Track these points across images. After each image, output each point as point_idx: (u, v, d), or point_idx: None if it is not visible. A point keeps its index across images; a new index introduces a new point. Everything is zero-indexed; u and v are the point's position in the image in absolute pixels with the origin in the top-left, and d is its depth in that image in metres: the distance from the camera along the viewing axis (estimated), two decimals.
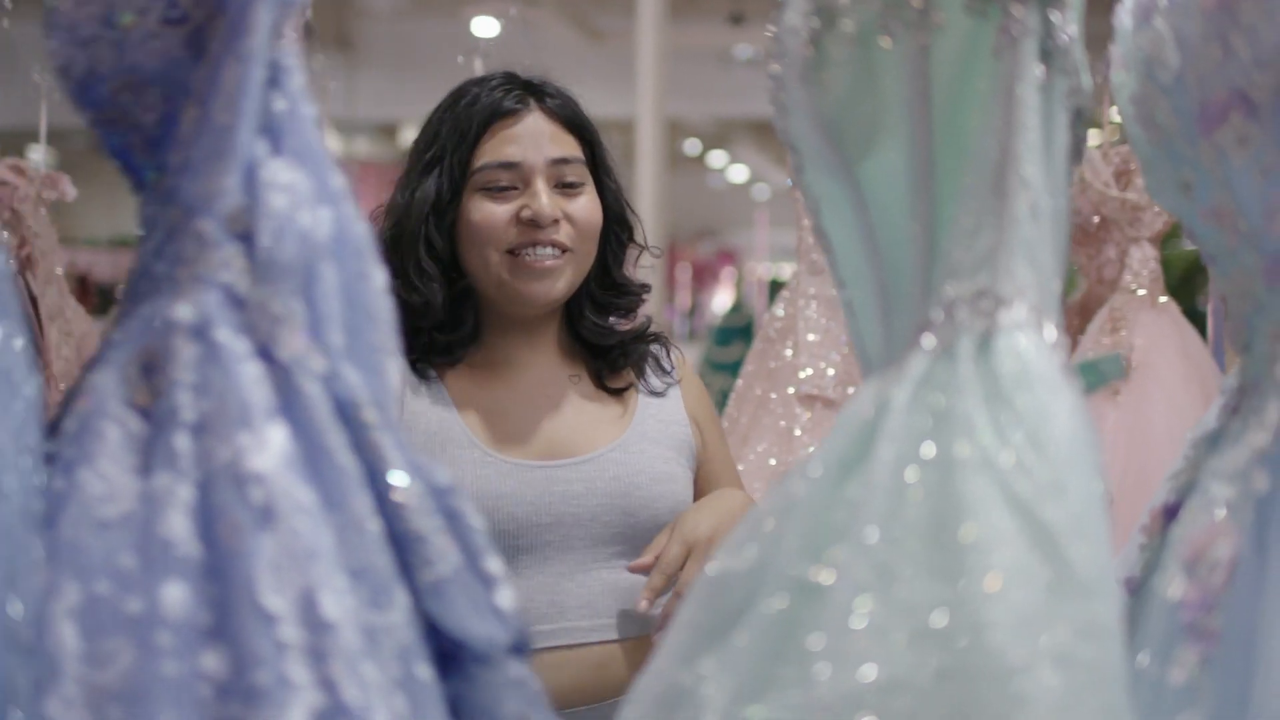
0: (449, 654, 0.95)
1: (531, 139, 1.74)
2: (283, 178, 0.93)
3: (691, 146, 17.14)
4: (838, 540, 0.92)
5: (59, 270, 3.45)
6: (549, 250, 1.72)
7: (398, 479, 0.93)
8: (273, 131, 0.95)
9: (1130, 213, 3.03)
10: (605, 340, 1.81)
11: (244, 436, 0.86)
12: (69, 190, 3.36)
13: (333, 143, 3.90)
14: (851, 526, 0.92)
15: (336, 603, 0.85)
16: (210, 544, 0.84)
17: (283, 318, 0.91)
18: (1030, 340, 0.97)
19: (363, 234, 0.97)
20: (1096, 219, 3.09)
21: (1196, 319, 3.28)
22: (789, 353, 2.90)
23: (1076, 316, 3.21)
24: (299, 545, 0.85)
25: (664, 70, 8.88)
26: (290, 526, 0.85)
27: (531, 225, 1.71)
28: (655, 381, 1.84)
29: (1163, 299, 3.05)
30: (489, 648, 0.95)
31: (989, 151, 1.01)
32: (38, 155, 3.61)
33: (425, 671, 0.91)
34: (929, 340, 0.98)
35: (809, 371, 2.83)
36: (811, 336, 2.85)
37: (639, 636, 1.72)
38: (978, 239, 1.00)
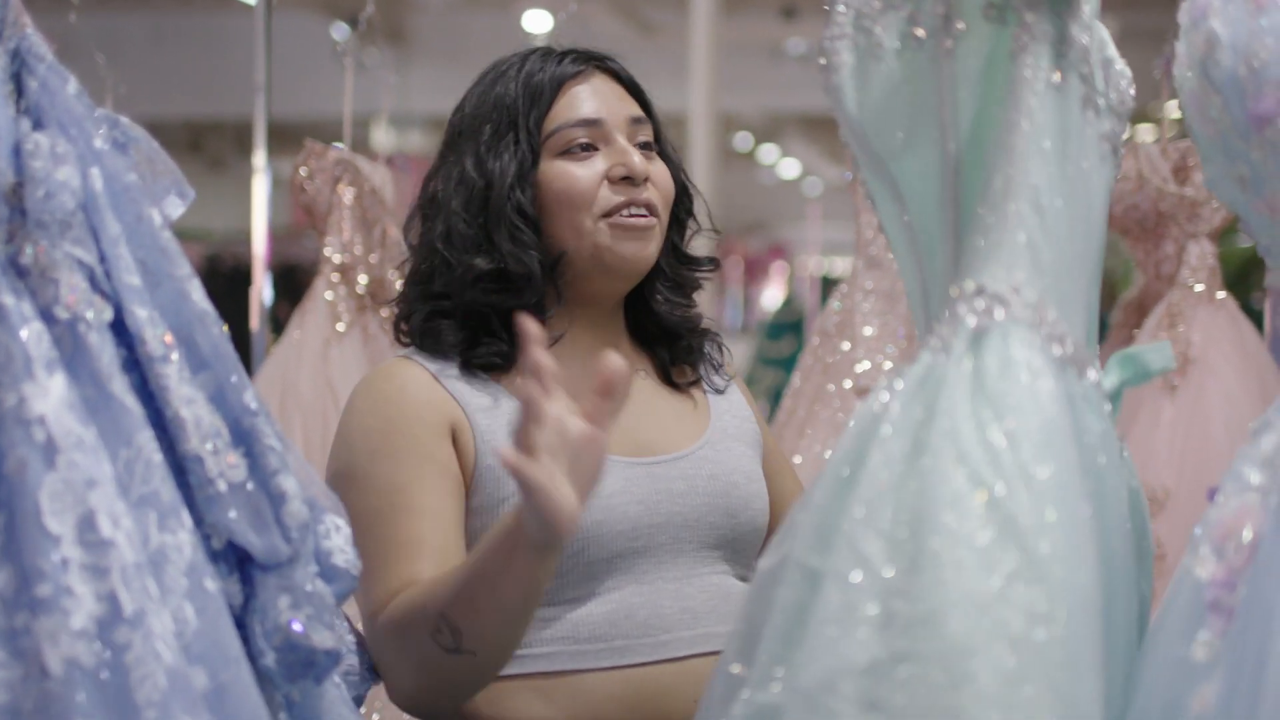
0: (245, 559, 1.09)
1: (604, 97, 1.60)
2: (44, 146, 1.03)
3: (742, 141, 17.12)
4: (836, 532, 0.97)
5: None
6: (642, 210, 1.56)
7: (178, 403, 1.05)
8: (32, 110, 1.05)
9: (1188, 208, 3.02)
10: (683, 323, 1.65)
11: (27, 386, 0.97)
12: None
13: (385, 137, 3.92)
14: (846, 518, 0.97)
15: (114, 525, 0.96)
16: None
17: (60, 280, 1.02)
18: (1021, 336, 1.00)
19: (132, 183, 1.08)
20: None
21: (1251, 316, 3.26)
22: (846, 346, 2.88)
23: (1134, 313, 3.20)
24: (78, 476, 0.96)
25: (716, 64, 8.86)
26: (70, 460, 0.96)
27: (626, 183, 1.56)
28: (717, 379, 1.70)
29: (1220, 295, 3.03)
30: (267, 557, 1.07)
31: (1001, 152, 1.04)
32: None
33: (213, 584, 1.04)
34: (933, 336, 1.03)
35: (866, 365, 2.82)
36: (868, 330, 2.84)
37: None
38: (985, 237, 1.03)
